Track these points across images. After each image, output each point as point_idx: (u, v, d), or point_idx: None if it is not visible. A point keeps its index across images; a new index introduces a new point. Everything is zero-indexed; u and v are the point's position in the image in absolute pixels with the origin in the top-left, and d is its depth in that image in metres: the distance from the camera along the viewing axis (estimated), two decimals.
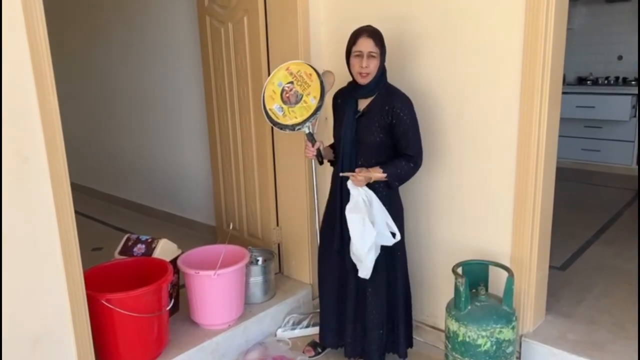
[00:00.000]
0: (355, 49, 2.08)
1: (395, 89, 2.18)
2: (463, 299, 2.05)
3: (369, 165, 2.13)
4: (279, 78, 2.32)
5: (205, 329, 2.46)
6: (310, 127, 2.32)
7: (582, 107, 5.24)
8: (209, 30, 3.14)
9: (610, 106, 5.13)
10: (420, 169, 2.17)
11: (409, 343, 2.38)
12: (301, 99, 2.31)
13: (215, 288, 2.41)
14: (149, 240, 2.55)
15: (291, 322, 2.71)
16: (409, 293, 2.36)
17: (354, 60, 2.10)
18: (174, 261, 2.46)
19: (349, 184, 2.11)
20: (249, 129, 3.01)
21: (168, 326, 2.32)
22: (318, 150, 2.29)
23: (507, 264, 2.21)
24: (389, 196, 2.19)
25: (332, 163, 2.36)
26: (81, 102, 4.83)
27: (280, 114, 2.33)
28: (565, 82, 5.24)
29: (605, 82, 5.33)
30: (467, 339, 2.03)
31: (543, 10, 1.98)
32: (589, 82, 5.41)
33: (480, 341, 2.01)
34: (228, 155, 3.23)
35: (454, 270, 2.11)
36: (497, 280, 2.17)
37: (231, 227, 3.15)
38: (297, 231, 2.89)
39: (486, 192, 2.29)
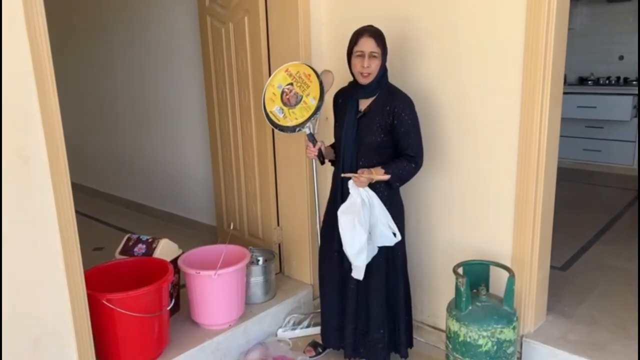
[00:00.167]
0: (356, 48, 2.08)
1: (397, 89, 2.18)
2: (464, 299, 2.05)
3: (369, 165, 2.13)
4: (278, 80, 2.33)
5: (205, 329, 2.46)
6: (311, 127, 2.32)
7: (583, 107, 5.24)
8: (209, 30, 3.14)
9: (611, 106, 5.12)
10: (421, 169, 2.17)
11: (410, 343, 2.38)
12: (301, 99, 2.31)
13: (215, 288, 2.41)
14: (150, 240, 2.55)
15: (292, 322, 2.71)
16: (409, 293, 2.36)
17: (355, 60, 2.10)
18: (174, 261, 2.46)
19: (350, 183, 2.10)
20: (249, 129, 3.00)
21: (168, 326, 2.32)
22: (319, 150, 2.29)
23: (508, 264, 2.21)
24: (390, 196, 2.19)
25: (333, 163, 2.36)
26: (82, 101, 4.83)
27: (281, 115, 2.33)
28: (566, 82, 5.23)
29: (607, 82, 5.32)
30: (468, 339, 2.03)
31: (544, 10, 1.98)
32: (590, 82, 5.40)
33: (481, 341, 2.01)
34: (229, 154, 3.23)
35: (454, 271, 2.11)
36: (498, 280, 2.17)
37: (232, 227, 3.15)
38: (298, 231, 2.89)
39: (487, 192, 2.29)
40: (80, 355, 1.89)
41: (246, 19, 2.83)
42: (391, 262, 2.24)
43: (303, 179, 2.77)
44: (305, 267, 2.91)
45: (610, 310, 2.52)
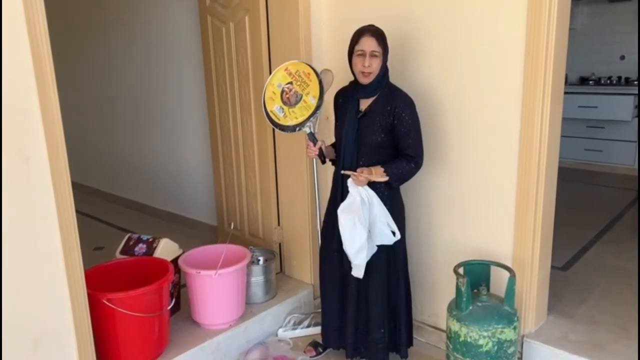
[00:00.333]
0: (357, 48, 2.08)
1: (398, 89, 2.18)
2: (464, 299, 2.05)
3: (370, 165, 2.13)
4: (278, 79, 2.32)
5: (206, 329, 2.46)
6: (311, 126, 2.32)
7: (584, 107, 5.23)
8: (210, 29, 3.14)
9: (612, 106, 5.12)
10: (421, 169, 2.17)
11: (410, 343, 2.38)
12: (301, 98, 2.31)
13: (216, 288, 2.41)
14: (150, 239, 2.55)
15: (292, 322, 2.71)
16: (410, 293, 2.36)
17: (356, 60, 2.10)
18: (175, 261, 2.46)
19: (349, 182, 2.10)
20: (250, 128, 3.00)
21: (169, 326, 2.32)
22: (320, 149, 2.29)
23: (509, 264, 2.20)
24: (390, 196, 2.19)
25: (333, 162, 2.35)
26: (83, 101, 4.83)
27: (281, 115, 2.33)
28: (567, 82, 5.21)
29: (608, 82, 5.32)
30: (469, 339, 2.03)
31: (545, 10, 1.97)
32: (591, 82, 5.40)
33: (481, 341, 2.01)
34: (229, 154, 3.23)
35: (455, 270, 2.11)
36: (499, 280, 2.17)
37: (232, 226, 3.15)
38: (299, 231, 2.89)
39: (488, 192, 2.28)
40: (80, 355, 1.89)
41: (247, 18, 2.83)
42: (392, 262, 2.24)
43: (304, 178, 2.77)
44: (305, 266, 2.91)
45: (610, 310, 2.51)
